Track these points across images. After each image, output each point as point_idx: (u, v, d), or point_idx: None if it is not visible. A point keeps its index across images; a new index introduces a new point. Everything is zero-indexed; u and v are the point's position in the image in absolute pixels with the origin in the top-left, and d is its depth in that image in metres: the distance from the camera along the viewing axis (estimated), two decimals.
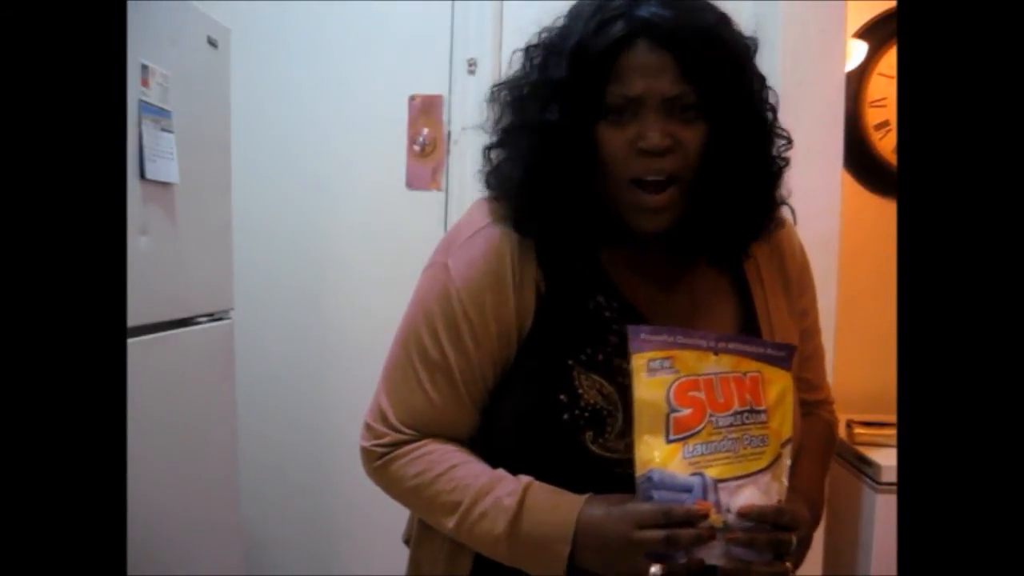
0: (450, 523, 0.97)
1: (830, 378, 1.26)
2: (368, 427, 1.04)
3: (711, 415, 0.90)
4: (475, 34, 2.26)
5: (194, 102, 1.73)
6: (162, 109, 1.58)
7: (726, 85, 0.93)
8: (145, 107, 1.52)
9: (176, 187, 1.64)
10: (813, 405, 1.14)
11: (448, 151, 2.31)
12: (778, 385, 0.95)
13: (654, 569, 0.86)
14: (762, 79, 0.99)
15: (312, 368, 2.39)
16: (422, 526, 1.06)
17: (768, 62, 1.00)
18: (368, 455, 1.03)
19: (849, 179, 2.29)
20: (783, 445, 0.94)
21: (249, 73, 2.16)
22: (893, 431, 1.95)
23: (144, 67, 1.52)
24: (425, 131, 2.32)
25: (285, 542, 2.40)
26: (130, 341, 1.41)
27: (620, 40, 0.91)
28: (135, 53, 1.50)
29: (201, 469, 1.80)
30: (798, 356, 1.03)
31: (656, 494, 0.88)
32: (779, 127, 1.01)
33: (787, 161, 1.02)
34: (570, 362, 0.97)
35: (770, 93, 1.00)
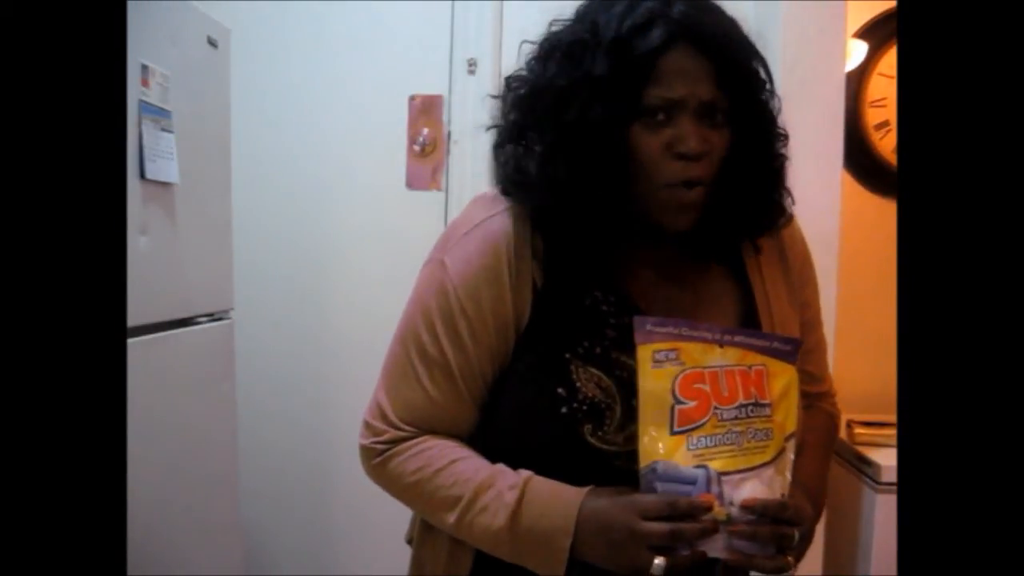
0: (450, 518, 0.97)
1: None
2: (367, 425, 1.04)
3: (716, 408, 0.90)
4: (475, 34, 2.26)
5: (194, 102, 1.73)
6: (162, 109, 1.58)
7: (754, 93, 0.96)
8: (145, 107, 1.52)
9: (176, 187, 1.64)
10: (815, 397, 1.14)
11: (448, 151, 2.31)
12: (783, 379, 0.95)
13: (658, 561, 0.86)
14: (771, 81, 1.00)
15: (312, 368, 2.39)
16: (424, 526, 1.06)
17: (768, 62, 1.00)
18: (367, 453, 1.03)
19: (849, 179, 2.29)
20: (787, 439, 0.94)
21: (249, 73, 2.16)
22: (893, 431, 1.95)
23: (144, 67, 1.52)
24: (425, 131, 2.32)
25: (285, 542, 2.40)
26: (130, 341, 1.41)
27: (664, 43, 0.91)
28: (135, 53, 1.50)
29: (201, 469, 1.79)
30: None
31: (660, 485, 0.89)
32: (779, 126, 1.02)
33: (787, 157, 1.03)
34: (568, 355, 0.97)
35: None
